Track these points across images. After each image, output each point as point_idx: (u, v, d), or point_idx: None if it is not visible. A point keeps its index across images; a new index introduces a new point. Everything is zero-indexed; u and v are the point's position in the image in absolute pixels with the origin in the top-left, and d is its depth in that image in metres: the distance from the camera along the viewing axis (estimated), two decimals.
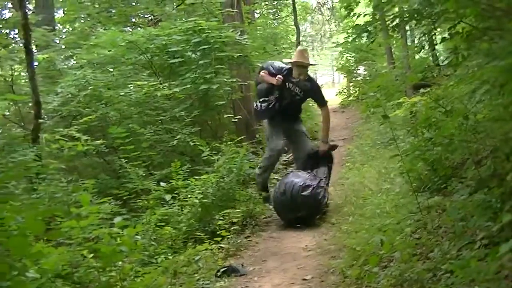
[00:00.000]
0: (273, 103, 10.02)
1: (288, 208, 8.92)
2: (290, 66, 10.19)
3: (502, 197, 4.61)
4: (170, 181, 8.91)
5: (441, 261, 4.52)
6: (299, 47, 11.75)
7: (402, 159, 6.42)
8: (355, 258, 5.79)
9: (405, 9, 7.78)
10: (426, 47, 14.62)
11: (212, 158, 9.93)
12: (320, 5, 33.00)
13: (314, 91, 10.43)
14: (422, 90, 9.66)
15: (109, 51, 13.21)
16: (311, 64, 10.86)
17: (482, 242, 4.34)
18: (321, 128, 10.96)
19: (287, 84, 9.97)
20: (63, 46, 15.97)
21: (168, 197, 8.51)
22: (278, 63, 10.56)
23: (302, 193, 8.81)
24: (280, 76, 9.79)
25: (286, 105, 10.07)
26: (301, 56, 10.23)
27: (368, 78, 25.43)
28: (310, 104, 16.81)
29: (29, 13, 12.40)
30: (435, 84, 11.66)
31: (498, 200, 4.61)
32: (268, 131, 10.29)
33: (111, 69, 12.87)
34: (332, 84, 50.48)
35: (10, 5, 13.22)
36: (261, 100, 10.17)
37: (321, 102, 10.48)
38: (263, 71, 10.21)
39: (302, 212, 8.74)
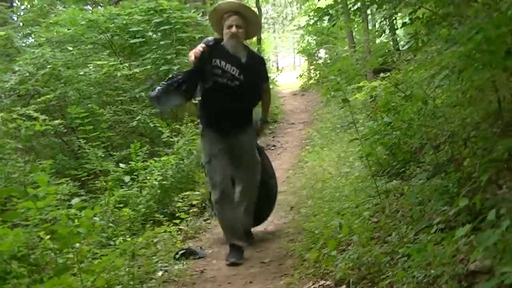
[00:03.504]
0: (178, 84, 6.35)
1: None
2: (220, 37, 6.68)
3: (459, 182, 4.68)
4: (129, 162, 8.96)
5: (398, 245, 4.58)
6: None
7: (362, 143, 6.48)
8: (314, 241, 5.83)
9: None
10: (387, 31, 14.72)
11: (172, 139, 9.98)
12: None
13: (259, 68, 6.86)
14: (382, 75, 9.74)
15: (68, 29, 13.14)
16: (250, 14, 6.75)
17: (438, 226, 4.39)
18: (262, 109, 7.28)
19: (213, 60, 6.39)
20: (21, 24, 15.84)
21: (127, 178, 8.53)
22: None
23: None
24: (200, 46, 6.35)
25: (216, 97, 6.47)
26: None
27: (329, 61, 25.58)
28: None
29: None
30: (395, 68, 11.77)
31: (455, 185, 4.69)
32: (203, 148, 6.83)
33: (71, 48, 12.77)
34: (293, 67, 50.63)
35: None
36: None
37: (266, 81, 7.08)
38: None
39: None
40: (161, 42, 12.64)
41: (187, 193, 8.60)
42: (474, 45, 4.18)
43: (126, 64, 11.99)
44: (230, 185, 6.64)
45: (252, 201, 6.92)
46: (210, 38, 6.68)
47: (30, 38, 14.61)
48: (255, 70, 6.70)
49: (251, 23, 6.67)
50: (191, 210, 8.22)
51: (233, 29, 6.44)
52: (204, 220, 8.20)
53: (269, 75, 7.69)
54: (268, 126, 8.31)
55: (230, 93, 6.45)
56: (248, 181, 6.84)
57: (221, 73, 6.44)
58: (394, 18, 8.36)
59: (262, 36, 30.24)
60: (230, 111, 6.46)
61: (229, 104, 6.44)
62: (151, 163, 9.00)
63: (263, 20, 26.84)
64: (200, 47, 6.27)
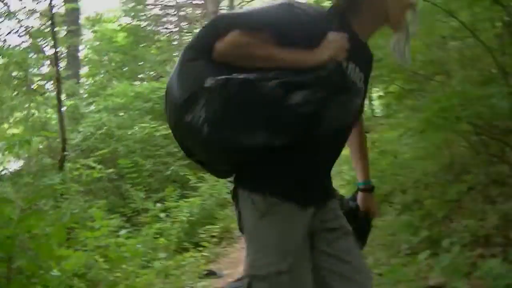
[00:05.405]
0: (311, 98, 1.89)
1: None
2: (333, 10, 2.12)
3: (421, 218, 4.68)
4: (164, 202, 8.99)
5: (374, 266, 4.54)
6: None
7: (346, 187, 6.47)
8: None
9: None
10: (366, 101, 14.78)
11: (198, 185, 10.02)
12: None
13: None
14: None
15: (121, 99, 13.29)
16: None
17: (405, 252, 4.38)
18: (357, 159, 2.73)
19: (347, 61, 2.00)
20: (86, 95, 15.97)
21: (162, 215, 8.56)
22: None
23: None
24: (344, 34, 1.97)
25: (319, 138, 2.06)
26: None
27: None
28: None
29: (61, 69, 12.44)
30: (372, 130, 11.79)
31: (418, 220, 4.68)
32: (264, 240, 2.09)
33: (122, 114, 12.89)
34: None
35: (47, 62, 13.32)
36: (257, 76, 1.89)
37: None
38: (256, 31, 1.94)
39: None
40: None
41: (209, 226, 8.54)
42: (433, 113, 4.21)
43: (164, 126, 12.05)
44: None
45: None
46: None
47: (92, 106, 14.68)
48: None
49: None
50: (212, 240, 8.15)
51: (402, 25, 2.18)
52: (222, 248, 8.13)
53: None
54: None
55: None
56: None
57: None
58: (371, 91, 8.40)
59: None
60: (328, 161, 2.33)
61: (331, 148, 2.29)
62: (181, 203, 9.03)
63: None
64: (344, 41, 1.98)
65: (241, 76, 1.90)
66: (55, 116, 12.90)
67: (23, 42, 13.50)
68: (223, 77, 1.90)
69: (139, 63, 18.77)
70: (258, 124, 1.93)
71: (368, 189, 2.64)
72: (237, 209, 2.18)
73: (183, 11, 23.98)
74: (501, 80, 4.52)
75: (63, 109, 10.96)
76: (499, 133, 4.78)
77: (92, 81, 18.44)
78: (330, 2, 2.11)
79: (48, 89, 14.51)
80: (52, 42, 10.28)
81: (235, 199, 2.17)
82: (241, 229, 2.20)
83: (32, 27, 11.64)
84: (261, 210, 2.06)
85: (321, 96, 1.91)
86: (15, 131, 12.81)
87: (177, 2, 23.53)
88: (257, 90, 1.88)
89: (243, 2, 23.30)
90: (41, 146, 12.44)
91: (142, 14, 21.41)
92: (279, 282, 1.99)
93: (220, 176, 2.41)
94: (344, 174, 7.40)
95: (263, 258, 2.06)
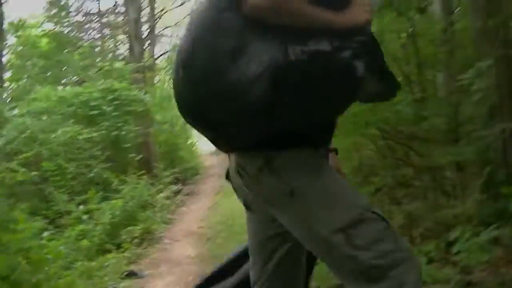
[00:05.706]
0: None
1: None
2: None
3: None
4: (87, 204, 8.86)
5: None
6: None
7: None
8: None
9: None
10: None
11: (120, 187, 10.01)
12: None
13: None
14: None
15: (44, 103, 13.02)
16: None
17: None
18: None
19: None
20: (9, 99, 15.52)
21: (85, 217, 8.44)
22: None
23: None
24: None
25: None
26: None
27: None
28: None
29: None
30: None
31: None
32: (339, 189, 1.92)
33: (45, 118, 12.59)
34: None
35: None
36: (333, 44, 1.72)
37: None
38: None
39: None
40: (113, 114, 12.89)
41: (130, 228, 8.50)
42: (343, 118, 4.29)
43: (86, 130, 11.87)
44: None
45: None
46: None
47: (15, 110, 14.28)
48: None
49: None
50: (133, 241, 8.10)
51: None
52: (144, 249, 8.05)
53: None
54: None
55: None
56: None
57: None
58: None
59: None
60: None
61: None
62: (103, 206, 8.95)
63: None
64: None
65: (324, 48, 1.71)
66: None
67: None
68: (308, 49, 1.69)
69: (63, 69, 18.40)
70: (332, 98, 1.80)
71: (333, 149, 2.33)
72: (272, 177, 1.88)
73: (105, 18, 23.59)
74: (405, 88, 4.65)
75: None
76: (404, 138, 4.93)
77: (16, 86, 17.96)
78: None
79: None
80: None
81: (266, 169, 1.88)
82: (286, 192, 1.86)
83: None
84: (315, 163, 1.92)
85: (370, 62, 1.76)
86: None
87: (99, 10, 23.12)
88: (335, 62, 1.72)
89: (163, 10, 23.49)
90: None
91: (65, 20, 20.96)
92: (373, 215, 1.85)
93: (234, 149, 2.14)
94: None
95: (349, 202, 1.88)
